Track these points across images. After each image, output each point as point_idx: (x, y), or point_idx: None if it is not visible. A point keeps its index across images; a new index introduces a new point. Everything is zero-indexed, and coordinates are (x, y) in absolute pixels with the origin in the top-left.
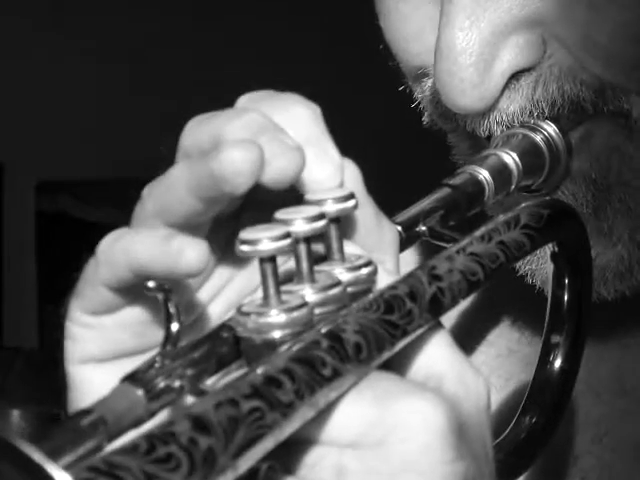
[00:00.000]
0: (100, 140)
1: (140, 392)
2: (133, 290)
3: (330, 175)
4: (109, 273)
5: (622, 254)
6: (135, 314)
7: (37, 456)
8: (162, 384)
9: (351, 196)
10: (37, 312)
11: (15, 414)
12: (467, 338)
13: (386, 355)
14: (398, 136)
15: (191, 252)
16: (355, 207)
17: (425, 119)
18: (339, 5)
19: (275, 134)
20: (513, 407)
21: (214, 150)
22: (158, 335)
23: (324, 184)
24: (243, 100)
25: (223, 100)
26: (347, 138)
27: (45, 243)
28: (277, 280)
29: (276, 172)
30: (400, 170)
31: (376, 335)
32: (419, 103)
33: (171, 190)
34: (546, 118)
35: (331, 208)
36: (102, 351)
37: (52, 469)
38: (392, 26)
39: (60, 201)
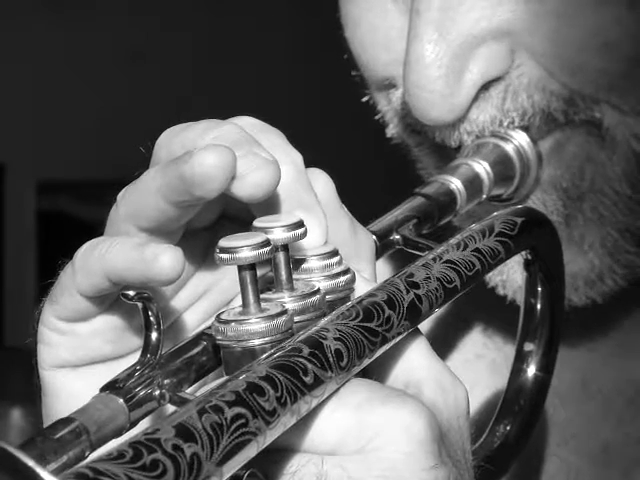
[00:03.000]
0: (100, 140)
1: (121, 401)
2: (108, 298)
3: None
4: (85, 281)
5: (593, 262)
6: (109, 322)
7: (30, 462)
8: (142, 393)
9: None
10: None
11: (15, 414)
12: (434, 344)
13: (366, 362)
14: (370, 144)
15: (165, 259)
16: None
17: (389, 132)
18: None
19: (250, 147)
20: (480, 412)
21: (186, 153)
22: (133, 342)
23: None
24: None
25: (223, 100)
26: (319, 147)
27: (45, 243)
28: (257, 288)
29: (251, 186)
30: (370, 179)
31: (356, 342)
32: (382, 116)
33: (143, 194)
34: (516, 127)
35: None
36: (76, 357)
37: (45, 475)
38: (359, 36)
39: (60, 201)
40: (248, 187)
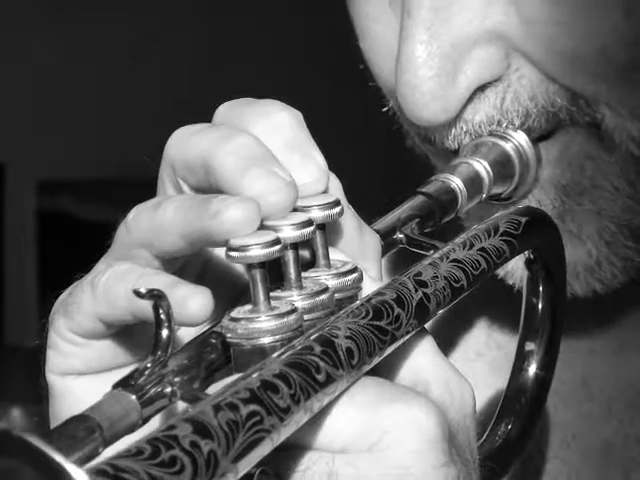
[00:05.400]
0: (100, 140)
1: (133, 397)
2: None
3: (316, 180)
4: (108, 311)
5: (591, 250)
6: (126, 335)
7: (57, 455)
8: (153, 390)
9: (337, 203)
10: (37, 311)
11: (16, 412)
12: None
13: (375, 360)
14: (372, 145)
15: (194, 303)
16: (340, 214)
17: (408, 142)
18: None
19: (267, 166)
20: (481, 411)
21: (212, 204)
22: (144, 352)
23: (310, 189)
24: (223, 109)
25: (223, 101)
26: (321, 148)
27: (45, 243)
28: (267, 286)
29: (270, 209)
30: (372, 178)
31: (366, 340)
32: (401, 126)
33: (163, 230)
34: (517, 128)
35: (317, 215)
36: (88, 367)
37: (71, 468)
38: (367, 46)
39: (60, 201)
40: (267, 209)
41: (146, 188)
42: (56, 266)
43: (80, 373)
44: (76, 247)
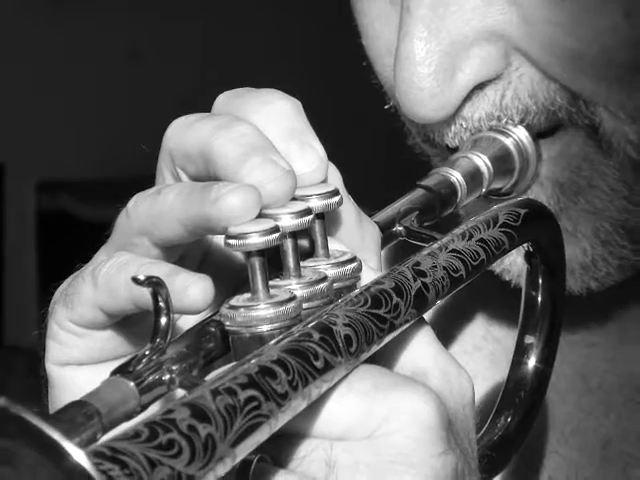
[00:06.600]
0: (100, 140)
1: (131, 384)
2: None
3: (316, 169)
4: (110, 301)
5: (586, 248)
6: (124, 327)
7: (55, 434)
8: (152, 377)
9: (336, 192)
10: (37, 311)
11: None
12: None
13: (374, 348)
14: (373, 139)
15: (195, 290)
16: (340, 203)
17: (410, 141)
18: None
19: (266, 155)
20: (479, 404)
21: (212, 190)
22: (145, 343)
23: (309, 178)
24: (222, 98)
25: None
26: (325, 141)
27: (45, 243)
28: (265, 274)
29: (268, 197)
30: (373, 171)
31: (365, 328)
32: (403, 124)
33: (163, 217)
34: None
35: (316, 204)
36: (89, 357)
37: (69, 446)
38: (369, 43)
39: (60, 201)
40: (265, 198)
41: (146, 188)
42: (56, 266)
43: (80, 363)
44: (76, 247)
